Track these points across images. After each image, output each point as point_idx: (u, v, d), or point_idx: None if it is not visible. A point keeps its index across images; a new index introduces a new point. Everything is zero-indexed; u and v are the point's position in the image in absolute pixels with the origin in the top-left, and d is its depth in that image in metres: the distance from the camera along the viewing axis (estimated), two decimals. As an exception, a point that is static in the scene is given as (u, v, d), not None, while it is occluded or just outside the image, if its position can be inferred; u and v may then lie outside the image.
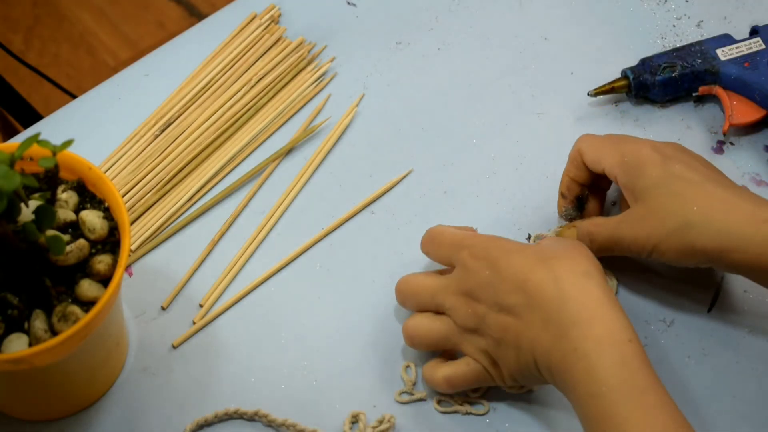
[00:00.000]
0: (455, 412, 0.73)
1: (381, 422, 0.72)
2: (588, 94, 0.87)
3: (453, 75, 0.90)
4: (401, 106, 0.88)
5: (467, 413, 0.73)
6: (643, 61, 0.87)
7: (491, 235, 0.74)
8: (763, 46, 0.86)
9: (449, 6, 0.95)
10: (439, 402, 0.74)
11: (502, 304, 0.68)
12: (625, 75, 0.87)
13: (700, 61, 0.86)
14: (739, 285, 0.79)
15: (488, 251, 0.70)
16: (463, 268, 0.71)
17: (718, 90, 0.86)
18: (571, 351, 0.64)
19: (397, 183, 0.84)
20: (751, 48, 0.86)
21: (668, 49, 0.88)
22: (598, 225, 0.75)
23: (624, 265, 0.79)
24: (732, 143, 0.86)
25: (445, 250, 0.74)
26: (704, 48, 0.86)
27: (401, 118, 0.88)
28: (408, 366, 0.75)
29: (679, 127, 0.87)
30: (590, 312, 0.65)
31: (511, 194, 0.84)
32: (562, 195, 0.80)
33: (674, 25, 0.93)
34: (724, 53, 0.86)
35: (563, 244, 0.70)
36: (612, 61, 0.90)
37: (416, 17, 0.94)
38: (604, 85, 0.87)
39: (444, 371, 0.72)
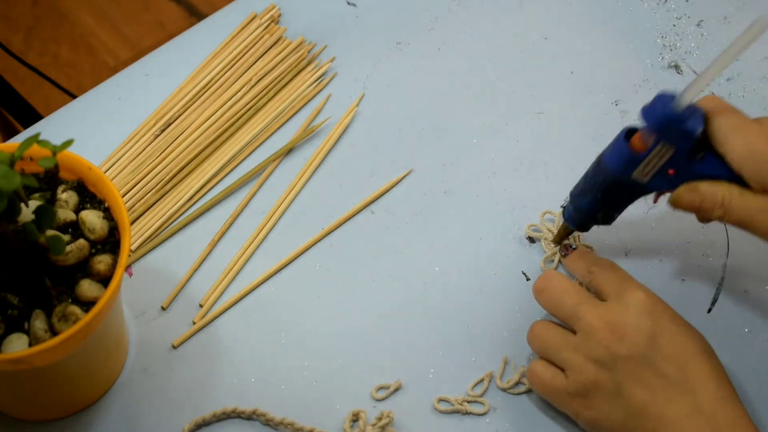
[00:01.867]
0: (455, 411, 0.73)
1: (380, 419, 0.72)
2: (554, 244, 0.80)
3: (453, 75, 0.90)
4: (401, 106, 0.88)
5: (467, 413, 0.73)
6: (575, 207, 0.75)
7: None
8: (672, 148, 0.69)
9: (449, 6, 0.95)
10: (438, 402, 0.74)
11: (653, 364, 0.68)
12: (570, 226, 0.78)
13: (625, 192, 0.73)
14: (739, 285, 0.79)
15: (653, 301, 0.71)
16: (620, 300, 0.71)
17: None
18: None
19: (397, 183, 0.84)
20: (662, 156, 0.69)
21: (587, 171, 0.74)
22: (733, 199, 0.69)
23: (624, 266, 0.79)
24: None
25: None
26: (618, 178, 0.71)
27: (401, 118, 0.88)
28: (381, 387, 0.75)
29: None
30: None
31: (511, 194, 0.84)
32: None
33: (674, 25, 0.93)
34: (641, 174, 0.71)
35: (703, 339, 0.71)
36: (612, 61, 0.90)
37: (416, 17, 0.94)
38: (558, 235, 0.79)
39: (534, 363, 0.72)
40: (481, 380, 0.75)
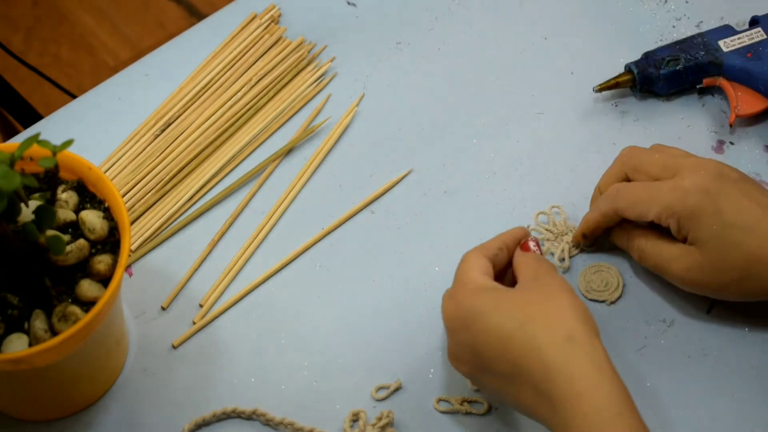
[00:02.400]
0: (456, 411, 0.73)
1: (380, 419, 0.72)
2: (593, 90, 0.87)
3: (453, 75, 0.90)
4: (401, 106, 0.88)
5: (467, 413, 0.73)
6: (647, 55, 0.87)
7: (469, 274, 0.70)
8: (765, 36, 0.85)
9: (449, 6, 0.95)
10: (438, 402, 0.74)
11: (490, 369, 0.67)
12: (629, 69, 0.87)
13: (703, 53, 0.85)
14: (739, 285, 0.79)
15: (462, 309, 0.68)
16: (447, 328, 0.70)
17: (722, 82, 0.86)
18: (564, 427, 0.62)
19: (397, 183, 0.84)
20: (753, 38, 0.86)
21: (670, 42, 0.88)
22: (651, 247, 0.74)
23: (625, 265, 0.79)
24: (732, 143, 0.86)
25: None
26: (706, 40, 0.86)
27: (401, 118, 0.88)
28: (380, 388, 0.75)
29: (680, 126, 0.87)
30: (576, 387, 0.62)
31: (511, 194, 0.84)
32: (583, 236, 0.79)
33: (674, 26, 0.93)
34: (726, 44, 0.85)
35: (544, 294, 0.67)
36: (612, 61, 0.90)
37: (416, 17, 0.94)
38: (608, 80, 0.87)
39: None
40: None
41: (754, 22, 0.88)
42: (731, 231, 0.70)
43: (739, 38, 0.86)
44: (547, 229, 0.81)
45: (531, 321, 0.65)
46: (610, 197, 0.75)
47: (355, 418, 0.72)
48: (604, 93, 0.88)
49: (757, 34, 0.86)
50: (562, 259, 0.79)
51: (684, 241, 0.72)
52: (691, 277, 0.72)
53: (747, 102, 0.85)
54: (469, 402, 0.74)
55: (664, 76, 0.85)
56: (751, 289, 0.71)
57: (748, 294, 0.72)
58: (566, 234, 0.80)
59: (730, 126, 0.85)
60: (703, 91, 0.88)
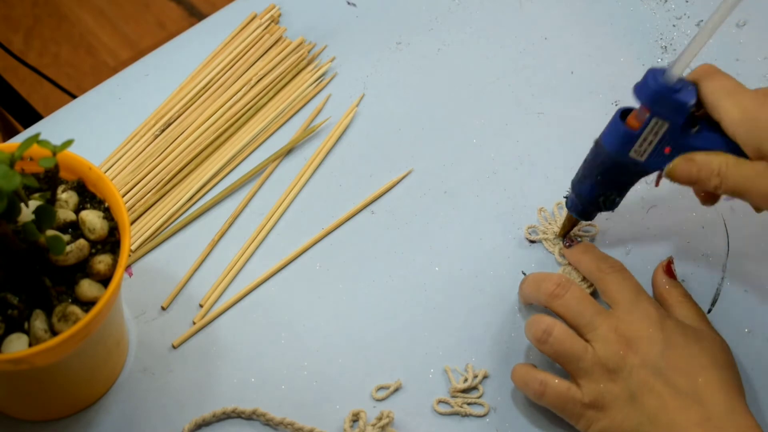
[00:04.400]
0: (455, 413, 0.73)
1: (380, 419, 0.72)
2: (560, 242, 0.81)
3: (453, 75, 0.90)
4: (401, 106, 0.88)
5: (466, 415, 0.73)
6: (576, 195, 0.76)
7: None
8: (666, 123, 0.69)
9: (449, 6, 0.95)
10: (438, 403, 0.74)
11: (664, 374, 0.68)
12: (573, 215, 0.78)
13: (624, 173, 0.73)
14: (739, 285, 0.79)
15: (662, 314, 0.72)
16: (632, 310, 0.71)
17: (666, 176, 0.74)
18: None
19: (397, 183, 0.84)
20: (657, 133, 0.70)
21: (581, 168, 0.75)
22: (729, 167, 0.69)
23: (624, 266, 0.79)
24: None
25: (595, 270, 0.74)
26: (616, 158, 0.72)
27: (401, 118, 0.88)
28: (380, 387, 0.75)
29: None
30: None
31: (511, 194, 0.84)
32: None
33: (674, 25, 0.93)
34: (638, 153, 0.71)
35: (718, 350, 0.71)
36: (612, 61, 0.90)
37: (416, 17, 0.94)
38: (563, 228, 0.80)
39: (544, 375, 0.71)
40: (476, 376, 0.74)
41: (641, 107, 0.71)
42: None
43: (644, 141, 0.70)
44: (543, 231, 0.81)
45: (726, 365, 0.72)
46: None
47: (355, 418, 0.72)
48: (603, 93, 0.88)
49: (658, 127, 0.70)
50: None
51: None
52: None
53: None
54: (469, 404, 0.74)
55: (609, 209, 0.76)
56: None
57: None
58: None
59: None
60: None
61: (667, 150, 0.71)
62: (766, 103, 0.68)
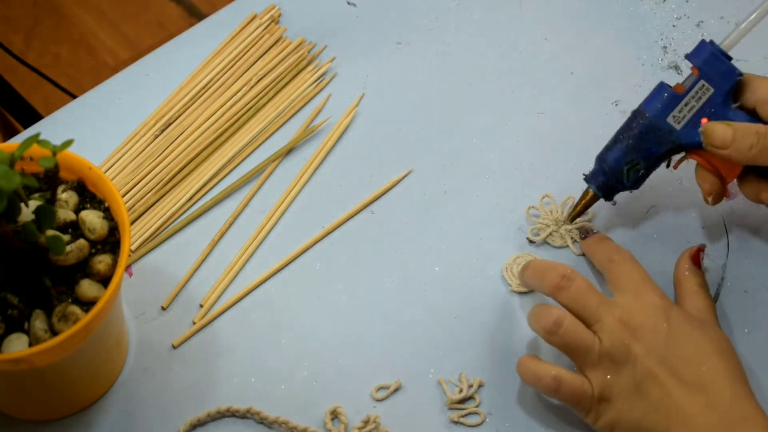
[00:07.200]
0: (456, 423, 0.73)
1: (366, 423, 0.72)
2: (566, 221, 0.81)
3: (453, 75, 0.90)
4: (401, 106, 0.88)
5: (458, 422, 0.73)
6: (601, 165, 0.77)
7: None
8: (711, 89, 0.73)
9: (449, 6, 0.95)
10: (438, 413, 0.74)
11: (668, 363, 0.69)
12: (592, 189, 0.79)
13: (656, 142, 0.75)
14: (739, 285, 0.79)
15: (667, 304, 0.72)
16: (637, 301, 0.72)
17: (692, 157, 0.76)
18: None
19: (397, 183, 0.84)
20: (700, 98, 0.73)
21: (616, 132, 0.77)
22: (767, 136, 0.72)
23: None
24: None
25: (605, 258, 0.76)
26: (653, 121, 0.74)
27: (401, 118, 0.88)
28: (380, 388, 0.75)
29: (679, 127, 0.87)
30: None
31: (511, 194, 0.84)
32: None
33: (674, 25, 0.93)
34: (676, 119, 0.74)
35: (721, 339, 0.72)
36: (612, 61, 0.90)
37: (416, 17, 0.94)
38: (575, 209, 0.80)
39: (557, 370, 0.70)
40: (471, 385, 0.74)
41: (695, 65, 0.75)
42: None
43: (686, 105, 0.74)
44: (543, 223, 0.81)
45: (728, 349, 0.72)
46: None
47: (334, 416, 0.72)
48: (603, 93, 0.88)
49: (702, 91, 0.73)
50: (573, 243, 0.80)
51: None
52: None
53: (729, 168, 0.75)
54: (464, 416, 0.73)
55: (631, 184, 0.77)
56: None
57: None
58: (564, 222, 0.81)
59: (728, 198, 0.80)
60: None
61: (704, 120, 0.73)
62: None
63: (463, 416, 0.73)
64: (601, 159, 0.77)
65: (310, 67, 0.90)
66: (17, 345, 0.63)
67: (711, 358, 0.69)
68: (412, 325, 0.77)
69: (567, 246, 0.81)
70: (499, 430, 0.73)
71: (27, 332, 0.64)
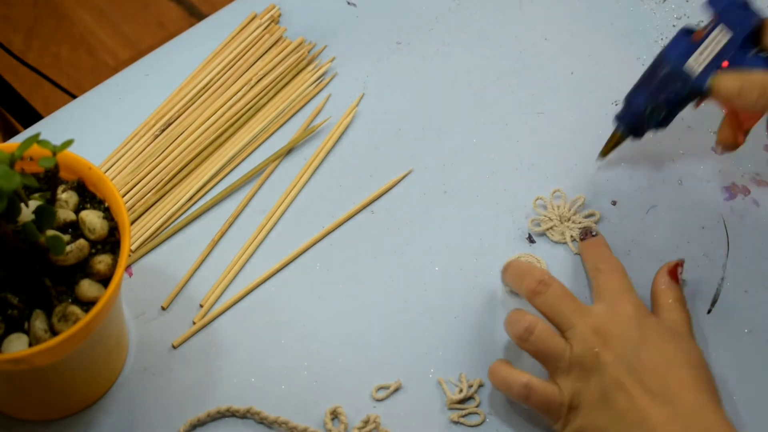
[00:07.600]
0: (455, 423, 0.73)
1: (366, 423, 0.72)
2: (598, 159, 0.84)
3: (453, 75, 0.90)
4: (401, 106, 0.88)
5: (458, 422, 0.73)
6: (629, 105, 0.80)
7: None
8: (730, 33, 0.74)
9: (449, 6, 0.95)
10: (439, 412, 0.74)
11: (636, 372, 0.68)
12: (620, 130, 0.82)
13: (679, 85, 0.76)
14: (739, 285, 0.79)
15: (641, 314, 0.72)
16: (612, 309, 0.72)
17: (713, 100, 0.78)
18: None
19: (397, 183, 0.84)
20: (719, 42, 0.75)
21: (642, 76, 0.79)
22: None
23: (625, 265, 0.79)
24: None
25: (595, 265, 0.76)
26: (674, 66, 0.76)
27: (401, 118, 0.88)
28: (380, 387, 0.75)
29: (680, 127, 0.87)
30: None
31: (511, 194, 0.84)
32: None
33: (674, 25, 0.93)
34: (697, 62, 0.75)
35: (692, 351, 0.72)
36: (612, 61, 0.90)
37: (416, 17, 0.94)
38: (607, 145, 0.83)
39: (528, 378, 0.71)
40: (471, 385, 0.74)
41: (713, 16, 0.76)
42: None
43: (706, 50, 0.75)
44: (546, 216, 0.81)
45: (695, 351, 0.72)
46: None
47: (334, 416, 0.72)
48: (603, 93, 0.88)
49: (721, 36, 0.75)
50: (574, 241, 0.80)
51: None
52: None
53: (744, 114, 0.78)
54: (464, 416, 0.73)
55: (655, 124, 0.79)
56: None
57: None
58: (569, 219, 0.81)
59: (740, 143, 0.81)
60: None
61: (724, 64, 0.74)
62: None
63: (463, 416, 0.73)
64: (628, 99, 0.80)
65: (310, 67, 0.90)
66: (17, 345, 0.63)
67: (679, 369, 0.69)
68: (412, 325, 0.77)
69: (565, 242, 0.81)
70: (499, 430, 0.73)
71: (27, 332, 0.64)
